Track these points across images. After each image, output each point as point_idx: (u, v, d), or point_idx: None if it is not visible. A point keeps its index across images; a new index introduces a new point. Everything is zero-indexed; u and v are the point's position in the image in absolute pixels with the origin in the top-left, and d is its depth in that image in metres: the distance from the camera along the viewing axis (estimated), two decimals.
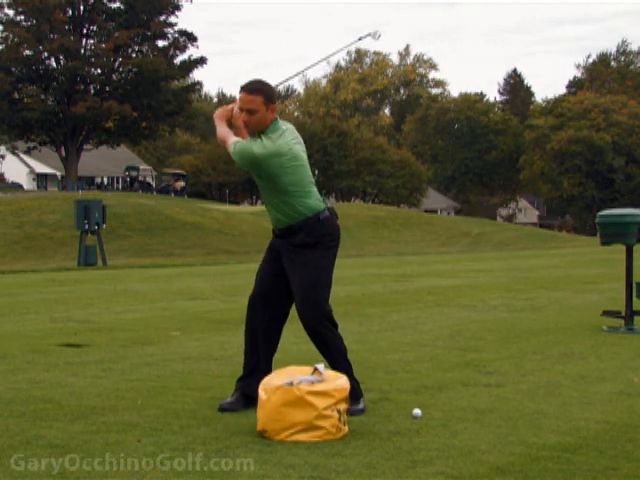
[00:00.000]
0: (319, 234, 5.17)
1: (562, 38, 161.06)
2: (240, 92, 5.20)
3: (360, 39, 5.68)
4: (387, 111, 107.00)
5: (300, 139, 5.27)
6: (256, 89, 5.14)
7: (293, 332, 6.71)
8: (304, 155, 5.24)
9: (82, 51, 58.36)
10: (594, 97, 77.89)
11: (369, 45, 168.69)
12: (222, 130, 5.27)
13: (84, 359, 7.07)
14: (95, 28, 59.16)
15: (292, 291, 5.22)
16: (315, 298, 5.15)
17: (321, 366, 4.74)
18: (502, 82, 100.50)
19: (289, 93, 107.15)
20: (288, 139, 5.13)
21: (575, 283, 15.63)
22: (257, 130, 5.15)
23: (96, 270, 21.99)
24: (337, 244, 5.30)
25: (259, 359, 5.33)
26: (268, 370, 5.22)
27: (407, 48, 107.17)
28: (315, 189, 5.26)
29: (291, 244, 5.19)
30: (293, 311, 5.42)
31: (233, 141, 5.16)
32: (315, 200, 5.20)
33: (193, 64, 60.69)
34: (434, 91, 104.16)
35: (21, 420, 4.91)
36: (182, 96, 60.90)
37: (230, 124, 5.32)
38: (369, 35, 5.65)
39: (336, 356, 5.23)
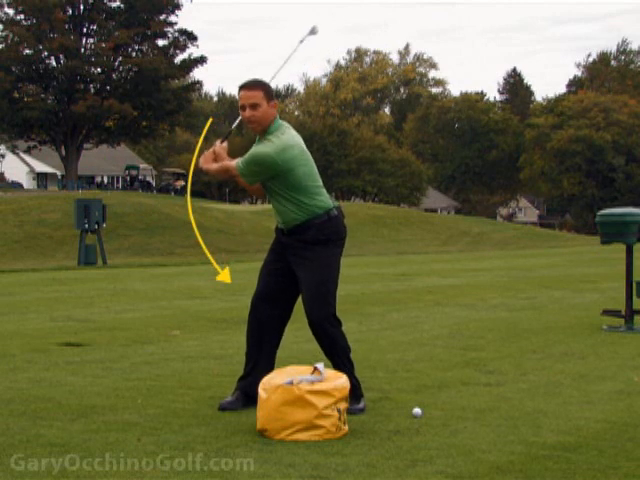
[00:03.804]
0: (330, 232, 5.21)
1: (562, 37, 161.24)
2: (240, 91, 5.23)
3: (302, 41, 5.67)
4: (387, 110, 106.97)
5: (301, 138, 5.31)
6: (255, 84, 5.21)
7: (293, 332, 6.71)
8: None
9: (82, 50, 58.38)
10: (594, 96, 77.91)
11: (370, 44, 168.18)
12: (217, 165, 5.31)
13: (84, 358, 7.07)
14: (95, 27, 59.21)
15: (300, 287, 5.22)
16: (324, 295, 5.16)
17: (321, 365, 4.74)
18: (502, 81, 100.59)
19: (289, 92, 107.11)
20: (293, 133, 5.21)
21: (575, 282, 15.62)
22: (262, 125, 5.17)
23: (96, 269, 21.98)
24: (344, 244, 5.35)
25: (260, 359, 5.32)
26: (270, 369, 5.21)
27: (407, 47, 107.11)
28: (323, 186, 5.32)
29: (301, 240, 5.19)
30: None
31: (235, 161, 5.20)
32: (326, 198, 5.26)
33: (193, 63, 60.73)
34: (434, 90, 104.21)
35: (21, 419, 4.91)
36: (182, 95, 60.91)
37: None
38: (310, 34, 5.62)
39: (340, 354, 5.23)
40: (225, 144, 5.34)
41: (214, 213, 41.37)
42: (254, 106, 5.14)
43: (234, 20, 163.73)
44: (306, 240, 5.18)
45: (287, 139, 5.13)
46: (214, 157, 5.33)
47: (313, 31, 5.59)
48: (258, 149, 5.12)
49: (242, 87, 5.22)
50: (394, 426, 4.87)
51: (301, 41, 5.60)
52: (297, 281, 5.27)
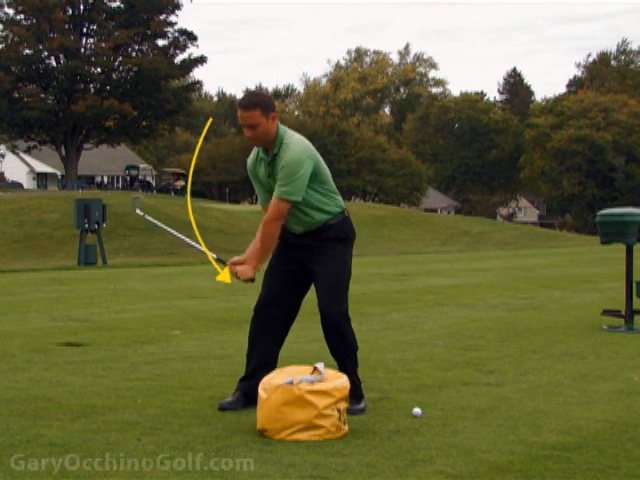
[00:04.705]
0: (348, 230, 5.29)
1: (562, 37, 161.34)
2: (238, 108, 5.20)
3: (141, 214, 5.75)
4: (387, 110, 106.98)
5: None
6: (252, 103, 5.10)
7: (294, 332, 6.70)
8: None
9: (82, 50, 58.41)
10: (594, 96, 77.94)
11: (370, 44, 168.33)
12: (254, 255, 5.15)
13: (84, 358, 7.06)
14: (95, 27, 59.24)
15: (315, 283, 5.20)
16: (339, 290, 5.17)
17: (321, 365, 4.74)
18: (502, 81, 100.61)
19: (289, 92, 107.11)
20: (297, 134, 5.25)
21: (575, 282, 15.62)
22: (265, 141, 5.13)
23: (96, 269, 21.98)
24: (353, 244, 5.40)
25: (262, 362, 5.30)
26: (271, 370, 5.19)
27: (407, 47, 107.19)
28: None
29: (320, 239, 5.19)
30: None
31: (275, 198, 5.04)
32: (339, 197, 5.32)
33: (193, 63, 60.77)
34: (434, 90, 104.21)
35: (21, 419, 4.91)
36: (182, 95, 60.96)
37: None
38: (137, 207, 5.68)
39: (348, 351, 5.22)
40: (233, 258, 5.24)
41: (214, 213, 41.39)
42: (253, 126, 5.08)
43: (234, 20, 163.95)
44: (327, 238, 5.19)
45: (299, 136, 5.17)
46: (241, 262, 5.18)
47: (137, 204, 5.66)
48: (288, 158, 5.02)
49: (239, 106, 5.17)
50: (394, 426, 4.87)
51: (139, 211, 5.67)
52: (303, 283, 5.27)
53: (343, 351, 5.22)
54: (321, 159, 5.21)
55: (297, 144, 5.07)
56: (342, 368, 5.14)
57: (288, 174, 5.02)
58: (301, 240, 5.25)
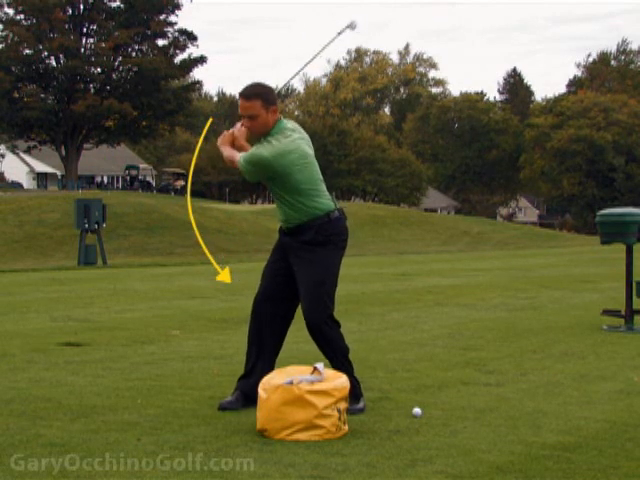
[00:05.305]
0: (330, 233, 5.18)
1: (562, 37, 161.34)
2: (239, 98, 5.19)
3: (339, 33, 5.66)
4: (387, 110, 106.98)
5: (306, 136, 5.27)
6: (253, 94, 5.12)
7: (293, 332, 6.70)
8: (311, 152, 5.26)
9: (82, 50, 58.42)
10: (594, 96, 77.93)
11: (370, 44, 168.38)
12: (227, 152, 5.30)
13: (84, 358, 7.06)
14: (95, 27, 59.28)
15: (298, 289, 5.20)
16: (321, 296, 5.14)
17: (320, 365, 4.74)
18: (502, 81, 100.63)
19: (289, 92, 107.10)
20: (294, 137, 5.14)
21: (575, 282, 15.62)
22: (262, 133, 5.15)
23: (96, 269, 21.97)
24: (345, 245, 5.31)
25: (261, 359, 5.31)
26: (270, 369, 5.20)
27: (407, 47, 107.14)
28: (325, 188, 5.28)
29: (300, 241, 5.17)
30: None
31: (240, 155, 5.19)
32: (326, 199, 5.22)
33: (193, 63, 60.80)
34: (434, 90, 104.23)
35: (21, 419, 4.91)
36: (182, 95, 60.98)
37: (234, 146, 5.36)
38: (348, 27, 5.64)
39: (338, 355, 5.23)
40: (244, 128, 5.29)
41: (214, 213, 41.39)
42: (252, 117, 5.11)
43: (234, 20, 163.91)
44: (306, 241, 5.16)
45: (287, 143, 5.07)
46: (232, 139, 5.32)
47: (351, 26, 5.60)
48: (257, 150, 5.09)
49: (240, 95, 5.17)
50: (394, 426, 4.87)
51: (339, 33, 5.60)
52: (296, 283, 5.26)
53: (332, 355, 5.23)
54: (302, 167, 5.08)
55: (273, 147, 5.04)
56: (337, 370, 5.13)
57: (249, 159, 5.09)
58: (287, 240, 5.26)
